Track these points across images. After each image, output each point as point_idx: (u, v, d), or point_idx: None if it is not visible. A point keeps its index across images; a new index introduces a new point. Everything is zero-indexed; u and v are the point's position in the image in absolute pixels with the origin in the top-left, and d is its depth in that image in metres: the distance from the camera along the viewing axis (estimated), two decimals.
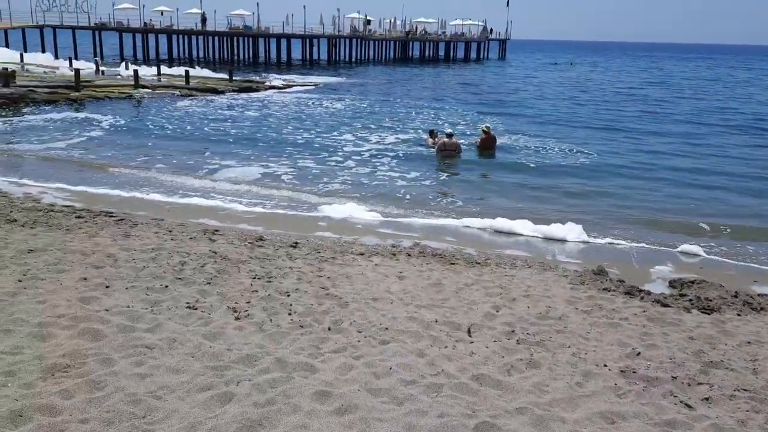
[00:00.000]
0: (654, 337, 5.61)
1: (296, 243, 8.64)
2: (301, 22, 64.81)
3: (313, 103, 29.35)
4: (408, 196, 12.73)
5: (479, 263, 8.16)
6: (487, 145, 17.21)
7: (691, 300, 6.93)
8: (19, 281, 5.82)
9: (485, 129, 17.41)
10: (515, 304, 6.35)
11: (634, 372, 4.80)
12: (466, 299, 6.44)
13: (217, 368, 4.32)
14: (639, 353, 5.19)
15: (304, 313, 5.63)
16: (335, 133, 20.40)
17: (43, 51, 48.12)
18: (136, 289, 5.91)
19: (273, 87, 35.47)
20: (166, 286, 6.06)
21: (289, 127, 21.61)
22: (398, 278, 7.06)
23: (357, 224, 10.46)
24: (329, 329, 5.26)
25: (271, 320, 5.37)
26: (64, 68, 36.68)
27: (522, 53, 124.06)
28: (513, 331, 5.55)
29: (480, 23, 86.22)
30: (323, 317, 5.54)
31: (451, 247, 9.06)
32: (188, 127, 20.58)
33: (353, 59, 68.96)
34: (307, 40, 64.67)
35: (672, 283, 7.80)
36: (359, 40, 70.06)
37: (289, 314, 5.57)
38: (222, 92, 31.32)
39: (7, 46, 47.35)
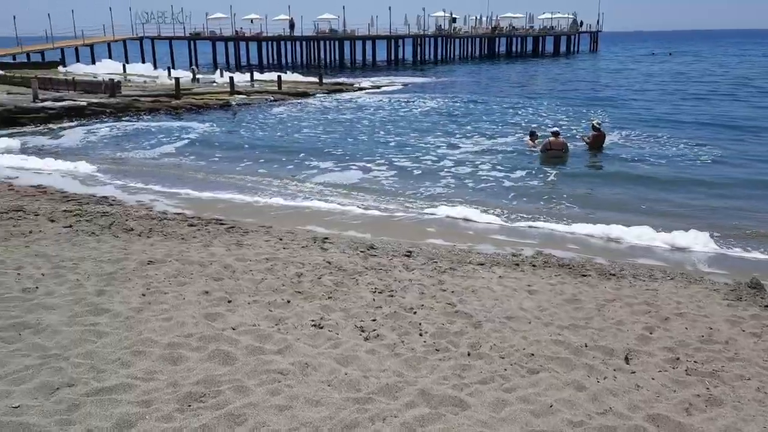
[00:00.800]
0: None
1: (410, 252, 8.23)
2: (386, 23, 64.93)
3: (404, 103, 29.04)
4: (516, 200, 12.08)
5: (614, 275, 7.44)
6: (596, 144, 16.20)
7: None
8: (143, 295, 5.71)
9: (595, 125, 16.38)
10: (669, 325, 5.63)
11: None
12: (611, 318, 5.78)
13: (357, 400, 3.93)
14: None
15: (436, 333, 5.18)
16: (430, 135, 19.93)
17: (143, 61, 50.58)
18: (258, 305, 5.67)
19: (362, 88, 35.51)
20: (288, 301, 5.78)
21: (383, 128, 21.35)
22: (528, 293, 6.49)
23: (468, 230, 9.95)
24: (468, 354, 4.78)
25: (403, 342, 4.95)
26: (163, 77, 38.32)
27: (615, 45, 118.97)
28: (677, 359, 4.86)
29: (570, 16, 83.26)
30: (458, 339, 5.07)
31: (577, 257, 8.37)
32: (283, 132, 20.72)
33: (439, 58, 68.30)
34: (392, 41, 64.67)
35: None
36: (444, 39, 69.31)
37: (420, 335, 5.14)
38: (313, 95, 31.64)
39: (110, 57, 50.17)
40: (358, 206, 11.27)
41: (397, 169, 14.67)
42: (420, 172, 14.47)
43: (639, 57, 75.44)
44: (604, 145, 16.43)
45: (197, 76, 37.20)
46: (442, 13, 69.67)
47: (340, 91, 33.61)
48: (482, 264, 7.81)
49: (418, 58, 65.88)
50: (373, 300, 6.01)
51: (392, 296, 6.18)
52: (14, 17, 48.30)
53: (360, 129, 21.27)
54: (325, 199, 11.88)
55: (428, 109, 26.89)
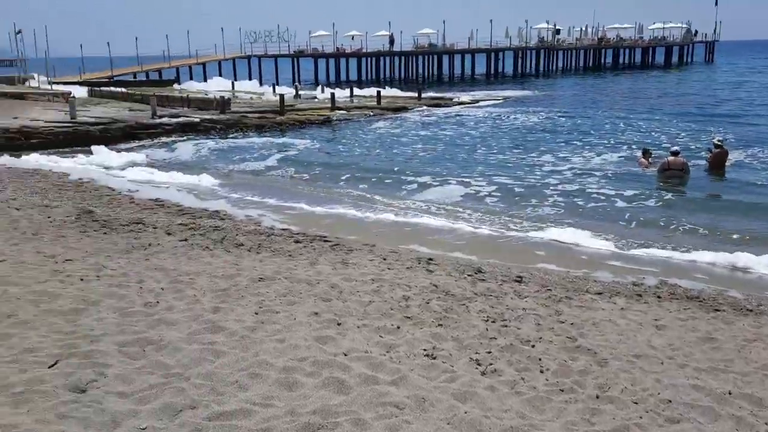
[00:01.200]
0: None
1: (520, 277, 7.89)
2: (486, 36, 64.37)
3: (506, 117, 28.50)
4: (632, 222, 11.43)
5: (751, 310, 6.77)
6: (718, 162, 15.09)
7: None
8: (256, 314, 5.75)
9: (717, 143, 15.27)
10: None
11: None
12: (754, 362, 5.21)
13: None
14: None
15: (558, 371, 4.85)
16: (534, 151, 19.38)
17: (250, 78, 52.86)
18: (368, 329, 5.56)
19: (461, 103, 35.26)
20: (398, 327, 5.64)
21: (485, 144, 21.01)
22: (656, 328, 6.00)
23: (581, 254, 9.46)
24: (597, 397, 4.42)
25: (523, 379, 4.66)
26: (268, 93, 39.83)
27: (733, 56, 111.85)
28: None
29: (683, 25, 79.10)
30: (584, 379, 4.72)
31: (707, 288, 7.71)
32: (383, 147, 20.84)
33: (540, 71, 66.86)
34: (492, 54, 64.01)
35: None
36: (546, 51, 67.81)
37: (541, 371, 4.83)
38: (411, 110, 31.77)
39: (220, 75, 52.78)
40: (461, 225, 11.04)
41: (501, 187, 14.30)
42: (524, 190, 14.03)
43: (761, 68, 70.39)
44: (727, 165, 15.28)
45: (300, 92, 38.37)
46: (545, 25, 68.24)
47: (439, 105, 33.57)
48: (600, 293, 7.35)
49: (519, 72, 64.80)
50: (487, 330, 5.75)
51: (506, 326, 5.89)
52: (136, 38, 51.93)
53: (460, 144, 21.03)
54: (426, 217, 11.73)
55: (531, 124, 26.24)
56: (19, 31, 38.89)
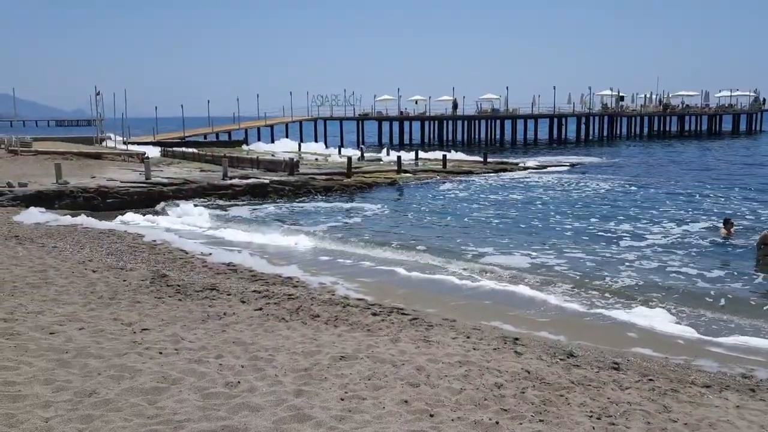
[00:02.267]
0: None
1: (617, 364, 7.27)
2: (549, 102, 64.34)
3: (575, 184, 27.84)
4: (722, 301, 10.59)
5: None
6: None
7: None
8: (342, 399, 5.37)
9: None
10: None
11: None
12: None
13: None
14: None
15: None
16: (610, 220, 18.64)
17: (315, 140, 54.13)
18: (463, 423, 5.09)
19: (528, 168, 34.75)
20: (497, 423, 5.14)
21: (558, 211, 20.40)
22: None
23: (677, 338, 8.73)
24: None
25: None
26: (333, 155, 40.47)
27: None
28: None
29: (751, 93, 77.16)
30: None
31: None
32: (452, 212, 20.52)
33: (604, 136, 66.00)
34: (555, 120, 63.76)
35: None
36: (610, 117, 67.06)
37: None
38: (478, 174, 31.51)
39: (287, 136, 54.32)
40: (543, 299, 10.45)
41: (571, 259, 13.65)
42: (604, 264, 13.32)
43: None
44: None
45: (364, 154, 38.84)
46: (608, 92, 67.78)
47: (505, 170, 33.19)
48: (708, 386, 6.65)
49: (582, 137, 64.15)
50: (593, 428, 5.18)
51: (614, 424, 5.31)
52: (208, 102, 54.26)
53: (532, 211, 20.50)
54: (504, 288, 11.21)
55: (603, 191, 25.48)
56: (98, 93, 41.22)
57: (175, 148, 39.19)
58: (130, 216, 18.74)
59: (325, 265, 13.08)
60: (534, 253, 14.22)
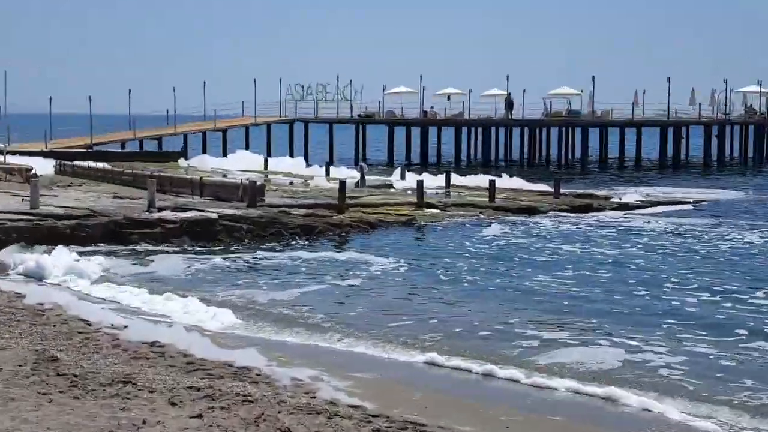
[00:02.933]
0: None
1: None
2: (659, 99, 64.38)
3: (704, 235, 27.73)
4: None
5: None
6: None
7: None
8: None
9: None
10: None
11: None
12: None
13: None
14: None
15: None
16: (754, 294, 18.67)
17: (291, 154, 54.47)
18: None
19: (624, 205, 34.82)
20: None
21: (677, 276, 20.47)
22: None
23: None
24: None
25: None
26: (318, 177, 40.75)
27: None
28: None
29: None
30: None
31: None
32: (505, 273, 20.67)
33: (749, 157, 66.31)
34: (669, 129, 63.67)
35: None
36: (758, 127, 67.37)
37: None
38: (545, 212, 31.60)
39: (247, 147, 54.57)
40: (633, 418, 10.59)
41: (690, 355, 13.63)
42: (728, 362, 13.35)
43: None
44: None
45: (366, 176, 39.01)
46: (755, 88, 67.84)
47: (589, 208, 33.22)
48: None
49: (713, 157, 64.27)
50: None
51: None
52: (129, 91, 55.15)
53: (634, 278, 20.50)
54: (581, 399, 11.33)
55: (746, 246, 25.52)
56: None
57: (77, 162, 39.77)
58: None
59: (300, 349, 13.19)
60: (634, 343, 14.29)
